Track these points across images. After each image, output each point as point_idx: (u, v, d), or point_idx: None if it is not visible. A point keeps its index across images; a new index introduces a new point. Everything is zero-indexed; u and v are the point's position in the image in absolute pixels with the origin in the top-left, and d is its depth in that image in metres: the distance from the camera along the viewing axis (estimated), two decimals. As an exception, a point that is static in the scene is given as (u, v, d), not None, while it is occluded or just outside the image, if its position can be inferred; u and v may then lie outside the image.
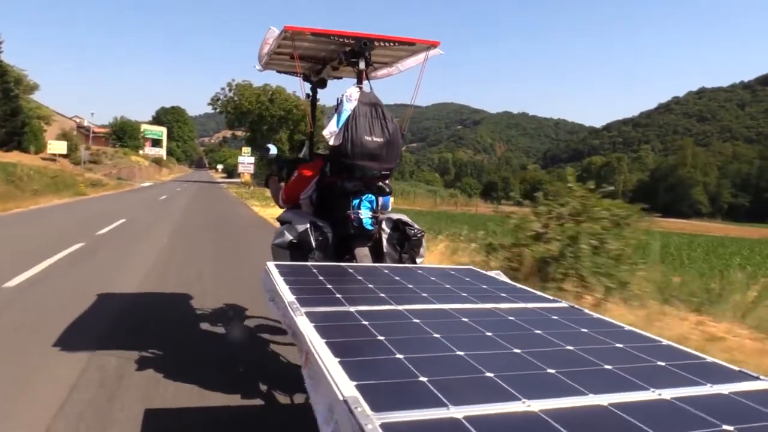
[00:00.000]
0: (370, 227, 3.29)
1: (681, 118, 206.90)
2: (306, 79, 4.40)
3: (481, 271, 2.95)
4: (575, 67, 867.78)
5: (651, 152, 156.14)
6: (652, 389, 1.38)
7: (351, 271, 2.66)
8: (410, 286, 2.42)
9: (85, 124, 72.67)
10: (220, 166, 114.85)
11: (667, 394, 1.36)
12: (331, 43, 3.69)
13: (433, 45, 3.69)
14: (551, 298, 2.41)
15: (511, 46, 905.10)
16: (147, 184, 49.53)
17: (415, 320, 1.87)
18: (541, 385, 1.38)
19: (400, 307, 2.02)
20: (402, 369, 1.41)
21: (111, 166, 55.68)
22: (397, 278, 2.55)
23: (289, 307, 1.87)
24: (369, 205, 3.33)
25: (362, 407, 1.14)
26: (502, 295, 2.38)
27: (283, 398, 3.51)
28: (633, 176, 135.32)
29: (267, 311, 5.12)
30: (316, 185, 3.48)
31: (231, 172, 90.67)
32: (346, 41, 3.52)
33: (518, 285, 2.67)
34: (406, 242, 3.39)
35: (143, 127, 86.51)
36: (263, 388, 3.68)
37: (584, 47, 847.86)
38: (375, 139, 3.16)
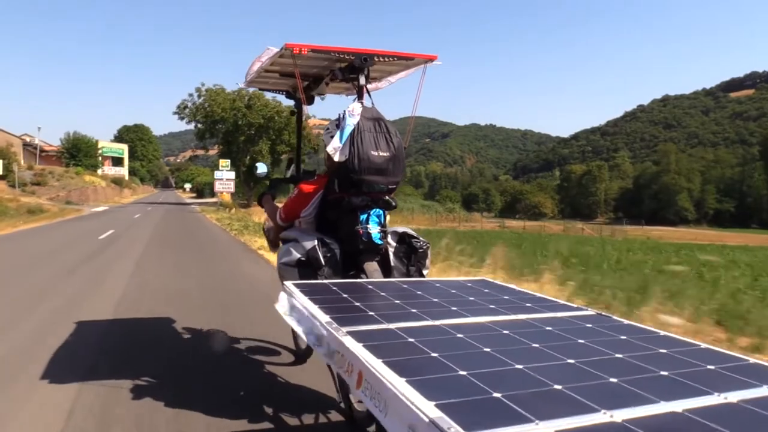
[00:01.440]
0: (379, 241, 3.15)
1: (647, 125, 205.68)
2: (291, 96, 4.37)
3: (496, 281, 2.92)
4: (540, 78, 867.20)
5: (627, 159, 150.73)
6: (716, 393, 1.38)
7: (371, 287, 2.56)
8: (435, 300, 2.37)
9: (36, 141, 62.26)
10: (187, 185, 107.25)
11: (733, 397, 1.36)
12: (325, 60, 3.61)
13: (430, 59, 3.65)
14: (576, 306, 2.39)
15: (476, 58, 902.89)
16: (100, 208, 39.25)
17: (459, 335, 1.84)
18: (612, 395, 1.36)
19: (438, 323, 1.98)
20: (472, 386, 1.38)
21: (59, 187, 45.87)
22: (419, 293, 2.49)
23: (327, 327, 1.82)
24: (377, 220, 3.17)
25: (455, 427, 1.12)
26: (528, 305, 2.35)
27: (291, 420, 3.35)
28: (613, 184, 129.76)
29: (258, 333, 5.18)
30: (320, 201, 3.33)
31: (201, 191, 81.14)
32: (346, 57, 3.42)
33: (537, 294, 2.63)
34: (412, 255, 3.30)
35: (101, 144, 76.26)
36: (269, 410, 3.49)
37: (547, 58, 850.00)
38: (381, 153, 3.09)
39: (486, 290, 2.63)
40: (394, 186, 3.22)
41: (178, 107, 48.98)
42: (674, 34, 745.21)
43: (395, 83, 4.07)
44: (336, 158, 3.05)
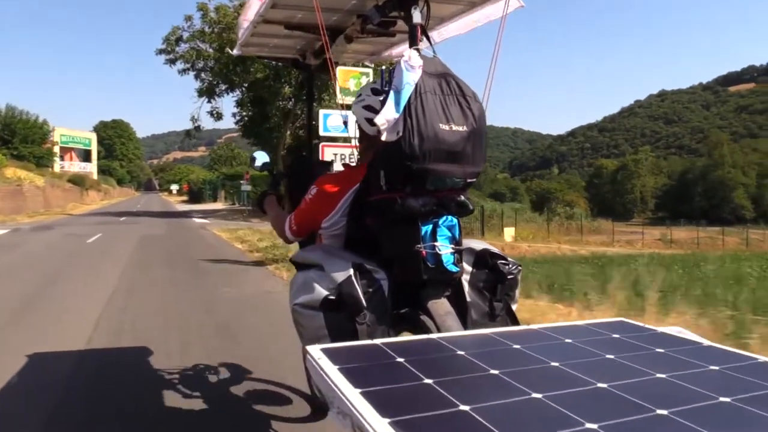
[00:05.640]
0: (454, 268, 1.85)
1: (646, 120, 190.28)
2: (298, 65, 3.02)
3: (643, 325, 1.48)
4: (526, 77, 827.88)
5: (650, 154, 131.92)
6: None
7: (453, 347, 1.27)
8: (577, 374, 1.08)
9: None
10: (174, 187, 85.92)
11: None
12: None
13: None
14: None
15: (462, 56, 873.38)
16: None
17: None
18: None
19: None
20: None
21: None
22: (541, 357, 1.19)
23: None
24: (449, 234, 1.87)
25: None
26: (751, 379, 1.06)
27: None
28: (648, 179, 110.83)
29: (262, 372, 3.69)
30: (351, 205, 1.98)
31: (198, 193, 56.61)
32: None
33: (743, 352, 1.28)
34: (498, 284, 1.98)
35: (57, 130, 51.81)
36: None
37: (533, 56, 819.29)
38: (455, 128, 1.78)
39: (649, 345, 1.29)
40: (474, 180, 1.91)
41: (167, 40, 25.15)
42: (664, 29, 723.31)
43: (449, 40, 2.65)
44: (384, 137, 1.75)
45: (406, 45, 2.33)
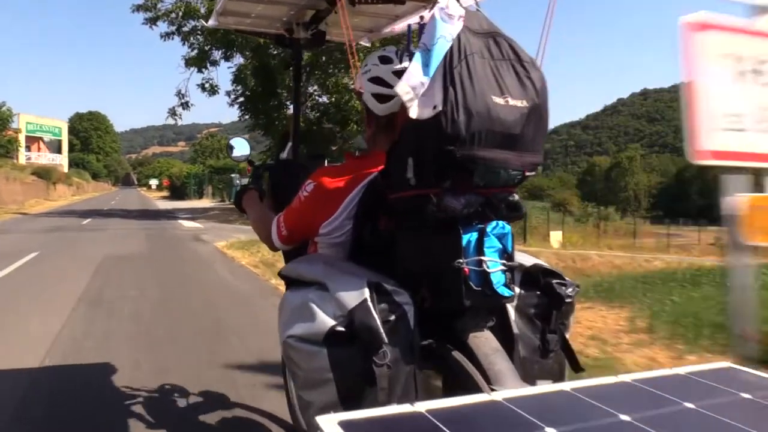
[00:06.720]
0: (506, 291, 1.34)
1: (630, 119, 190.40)
2: (283, 41, 2.51)
3: (764, 375, 1.03)
4: None
5: (640, 151, 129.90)
6: None
7: (532, 418, 0.79)
8: None
9: None
10: (153, 182, 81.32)
11: None
12: None
13: None
14: None
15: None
16: None
17: None
18: None
19: None
20: None
21: None
22: (646, 427, 0.76)
23: None
24: (498, 245, 1.35)
25: None
26: None
27: None
28: (641, 178, 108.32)
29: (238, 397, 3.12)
30: (358, 204, 1.51)
31: (180, 189, 50.70)
32: None
33: None
34: (554, 310, 1.48)
35: (22, 117, 45.92)
36: None
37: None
38: (512, 102, 1.26)
39: None
40: (533, 173, 1.42)
41: (148, -3, 19.47)
42: (645, 28, 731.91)
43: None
44: (414, 112, 1.22)
45: (413, 18, 2.10)
